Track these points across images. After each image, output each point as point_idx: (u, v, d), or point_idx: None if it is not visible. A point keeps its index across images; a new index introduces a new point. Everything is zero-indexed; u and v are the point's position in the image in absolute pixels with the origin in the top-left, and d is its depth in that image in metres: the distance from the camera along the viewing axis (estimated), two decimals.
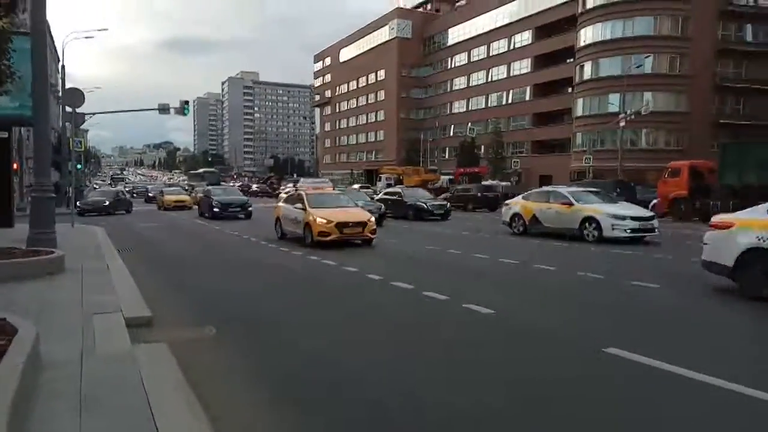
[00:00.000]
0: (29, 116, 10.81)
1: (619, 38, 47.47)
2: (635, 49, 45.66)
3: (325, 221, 13.09)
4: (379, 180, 58.22)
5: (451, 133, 74.25)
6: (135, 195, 55.95)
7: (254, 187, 71.93)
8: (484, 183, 42.24)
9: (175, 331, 5.29)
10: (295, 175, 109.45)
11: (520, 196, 18.24)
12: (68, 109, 14.67)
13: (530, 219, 16.74)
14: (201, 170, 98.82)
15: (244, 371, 4.40)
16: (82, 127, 32.40)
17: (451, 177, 55.58)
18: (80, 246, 11.11)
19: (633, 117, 36.84)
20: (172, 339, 4.86)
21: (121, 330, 4.69)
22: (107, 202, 29.39)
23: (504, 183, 42.07)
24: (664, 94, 46.13)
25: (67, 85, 31.42)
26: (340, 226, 13.08)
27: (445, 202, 24.58)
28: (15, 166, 26.61)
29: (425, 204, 23.70)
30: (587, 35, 50.21)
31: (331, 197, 15.61)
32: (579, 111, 51.49)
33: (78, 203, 27.39)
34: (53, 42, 55.88)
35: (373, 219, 14.01)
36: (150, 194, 50.14)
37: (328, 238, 13.02)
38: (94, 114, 29.78)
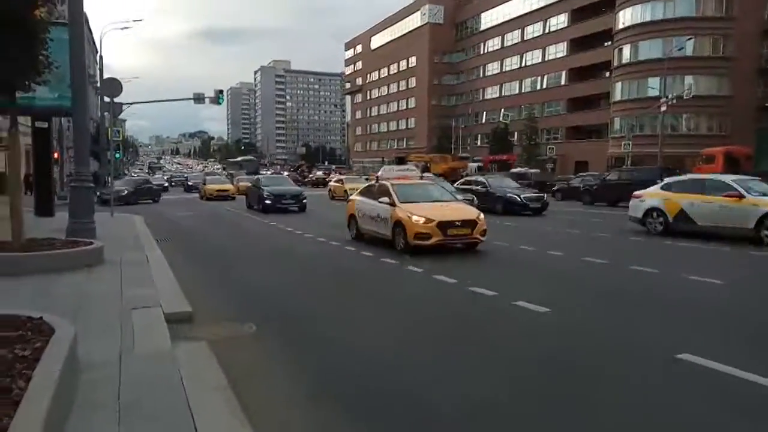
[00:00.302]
0: (68, 107, 10.90)
1: (660, 20, 45.72)
2: (676, 31, 44.02)
3: (423, 220, 10.36)
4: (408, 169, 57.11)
5: (483, 120, 73.24)
6: (173, 184, 55.44)
7: (285, 174, 72.31)
8: (513, 171, 41.11)
9: (215, 328, 5.20)
10: (326, 163, 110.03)
11: (656, 186, 14.55)
12: (106, 99, 14.80)
13: (676, 215, 13.42)
14: (239, 158, 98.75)
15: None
16: (119, 116, 33.02)
17: (480, 165, 54.65)
18: (119, 236, 11.19)
19: (674, 101, 35.52)
20: (213, 336, 4.77)
21: (160, 326, 4.61)
22: (126, 192, 26.85)
23: (533, 170, 40.85)
24: (706, 77, 44.34)
25: (105, 76, 32.01)
26: (444, 226, 10.33)
27: (542, 194, 21.34)
28: (55, 155, 27.33)
29: (518, 196, 20.32)
30: (626, 17, 48.53)
31: (423, 189, 12.58)
32: (617, 95, 49.98)
33: (98, 193, 25.85)
34: (91, 33, 57.01)
35: (482, 217, 11.02)
36: (189, 183, 48.74)
37: (429, 242, 10.29)
38: (131, 104, 30.24)
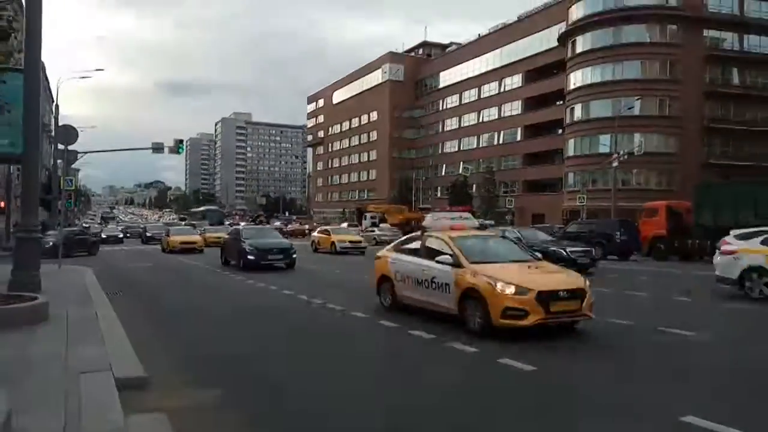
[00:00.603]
0: (19, 153, 10.40)
1: (609, 81, 48.32)
2: (625, 92, 46.48)
3: (513, 290, 7.40)
4: (365, 218, 58.61)
5: (443, 173, 74.67)
6: (128, 235, 53.07)
7: (242, 224, 70.89)
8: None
9: (174, 396, 4.70)
10: (287, 213, 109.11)
11: (755, 239, 11.82)
12: (60, 146, 14.20)
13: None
14: (202, 208, 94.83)
15: None
16: (73, 166, 32.03)
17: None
18: (66, 289, 10.47)
19: (626, 157, 37.05)
20: (172, 405, 4.31)
21: (111, 395, 4.13)
22: (51, 243, 20.04)
23: (488, 222, 41.87)
24: (654, 135, 46.62)
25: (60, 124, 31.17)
26: (545, 298, 7.37)
27: (590, 248, 19.05)
28: (1, 204, 26.12)
29: (563, 250, 17.53)
30: (577, 78, 51.09)
31: (495, 244, 9.77)
32: (570, 151, 51.94)
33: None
34: (47, 81, 56.03)
35: (589, 284, 8.09)
36: (148, 234, 44.27)
37: (526, 322, 7.28)
38: (86, 153, 29.42)
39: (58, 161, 27.95)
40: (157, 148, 30.13)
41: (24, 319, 6.58)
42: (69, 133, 13.77)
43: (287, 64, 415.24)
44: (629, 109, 43.15)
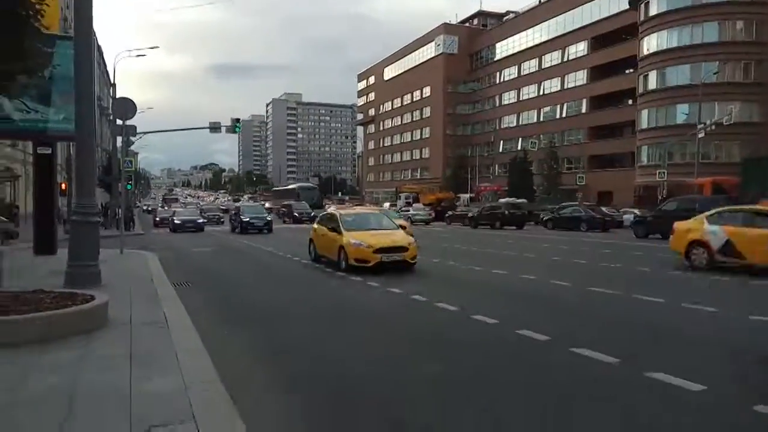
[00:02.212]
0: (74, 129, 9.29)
1: (687, 46, 44.38)
2: (705, 57, 42.68)
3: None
4: (399, 198, 60.09)
5: (501, 149, 71.82)
6: (210, 219, 40.49)
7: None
8: (501, 200, 43.76)
9: None
10: (340, 194, 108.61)
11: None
12: (119, 121, 13.15)
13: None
14: (294, 186, 75.57)
15: None
16: (132, 148, 31.75)
17: (472, 195, 56.85)
18: (129, 281, 9.19)
19: (713, 128, 33.74)
20: None
21: None
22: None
23: (521, 200, 42.14)
24: (738, 103, 42.64)
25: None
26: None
27: None
28: (63, 186, 25.88)
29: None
30: (651, 43, 47.24)
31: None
32: (644, 123, 48.30)
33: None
34: (104, 63, 56.61)
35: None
36: (245, 219, 29.44)
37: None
38: (146, 133, 28.93)
39: (118, 142, 27.55)
40: (215, 127, 29.39)
41: (78, 326, 5.31)
42: (127, 106, 12.58)
43: (336, 42, 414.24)
44: (715, 74, 39.41)
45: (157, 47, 35.82)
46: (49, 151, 12.23)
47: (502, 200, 44.46)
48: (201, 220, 32.48)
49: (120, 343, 5.04)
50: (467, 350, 5.62)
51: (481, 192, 58.33)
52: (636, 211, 32.11)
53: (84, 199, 8.16)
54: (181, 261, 15.30)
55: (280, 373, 4.97)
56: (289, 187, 76.83)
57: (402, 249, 12.13)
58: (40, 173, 12.50)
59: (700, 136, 33.47)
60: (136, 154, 68.80)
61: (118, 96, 23.82)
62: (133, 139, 26.26)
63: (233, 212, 28.39)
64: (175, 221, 31.37)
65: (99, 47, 51.58)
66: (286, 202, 49.06)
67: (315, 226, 14.96)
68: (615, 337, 6.14)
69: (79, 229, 8.00)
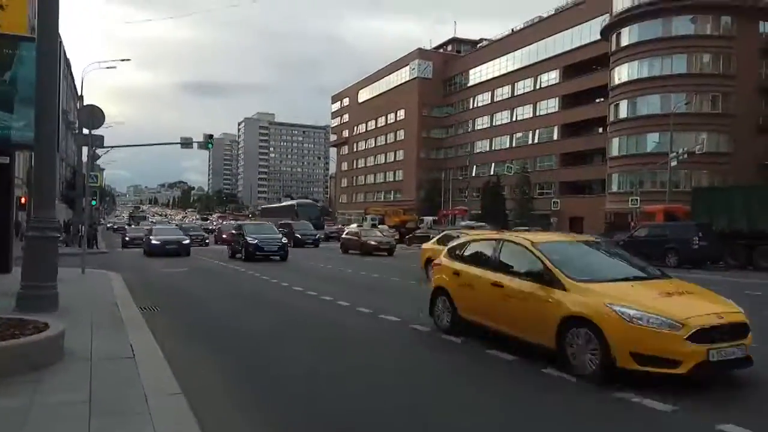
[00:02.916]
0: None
1: (657, 76, 45.50)
2: (674, 88, 43.80)
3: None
4: (365, 219, 59.38)
5: (474, 173, 72.20)
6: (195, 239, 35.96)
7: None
8: (462, 223, 43.07)
9: None
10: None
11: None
12: (85, 131, 12.15)
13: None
14: (291, 202, 68.46)
15: None
16: (98, 162, 30.59)
17: (435, 218, 56.65)
18: (90, 305, 8.38)
19: (686, 156, 34.36)
20: None
21: None
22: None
23: (480, 224, 40.93)
24: (707, 134, 43.75)
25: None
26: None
27: None
28: (23, 200, 24.54)
29: None
30: (622, 73, 48.34)
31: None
32: (615, 151, 49.12)
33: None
34: (71, 73, 55.05)
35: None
36: (255, 242, 23.55)
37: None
38: (113, 147, 27.82)
39: (84, 156, 26.38)
40: (187, 143, 28.46)
41: (26, 362, 4.42)
42: (94, 115, 11.59)
43: (310, 65, 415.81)
44: (686, 104, 40.42)
45: (129, 59, 34.75)
46: (7, 161, 11.30)
47: (462, 223, 44.55)
48: (186, 241, 26.72)
49: (78, 384, 4.20)
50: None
51: (444, 215, 58.63)
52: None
53: (42, 212, 7.26)
54: (150, 283, 14.21)
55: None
56: (285, 203, 68.36)
57: (741, 330, 5.49)
58: None
59: (673, 164, 34.02)
60: (103, 170, 66.56)
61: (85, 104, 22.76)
62: (99, 152, 25.17)
63: (233, 232, 23.98)
64: (152, 241, 25.72)
65: (67, 60, 50.19)
66: (283, 221, 41.01)
67: (449, 262, 8.01)
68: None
69: (35, 245, 7.13)
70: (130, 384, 4.22)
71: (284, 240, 23.72)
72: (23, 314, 5.74)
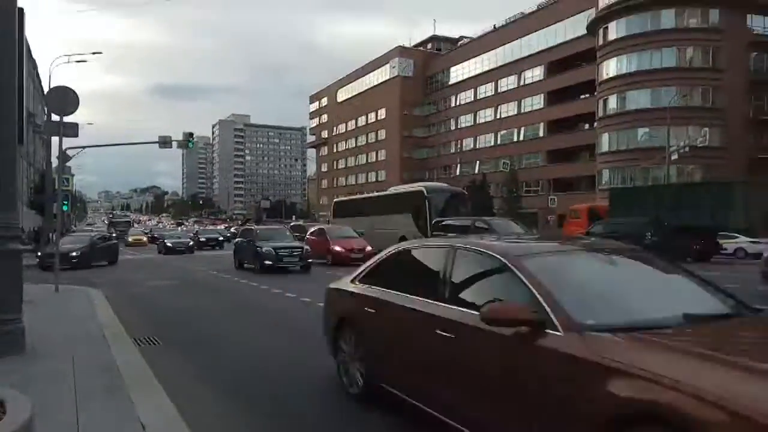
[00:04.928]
0: None
1: (646, 70, 44.82)
2: (664, 82, 43.12)
3: None
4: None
5: (458, 173, 71.00)
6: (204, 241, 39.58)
7: (232, 229, 65.01)
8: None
9: None
10: (293, 217, 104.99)
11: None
12: (55, 117, 10.08)
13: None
14: (420, 185, 49.72)
15: None
16: (68, 164, 28.32)
17: None
18: (69, 341, 6.19)
19: (686, 150, 33.53)
20: None
21: None
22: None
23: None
24: (697, 128, 43.16)
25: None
26: None
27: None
28: None
29: None
30: (610, 68, 47.58)
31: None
32: (604, 147, 48.32)
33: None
34: (38, 74, 52.16)
35: None
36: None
37: None
38: (84, 148, 25.67)
39: (51, 157, 24.19)
40: (165, 142, 26.45)
41: None
42: (66, 97, 9.40)
43: (285, 66, 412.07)
44: (684, 96, 39.81)
45: (101, 53, 32.59)
46: None
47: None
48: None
49: None
50: None
51: None
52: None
53: (3, 214, 5.34)
54: (139, 303, 12.15)
55: None
56: (401, 189, 41.60)
57: None
58: None
59: (674, 158, 33.18)
60: (73, 175, 63.74)
61: (52, 118, 20.52)
62: (70, 153, 23.01)
63: (242, 239, 21.16)
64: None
65: (33, 60, 47.45)
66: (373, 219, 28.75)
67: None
68: None
69: None
70: None
71: (307, 247, 20.34)
72: None
